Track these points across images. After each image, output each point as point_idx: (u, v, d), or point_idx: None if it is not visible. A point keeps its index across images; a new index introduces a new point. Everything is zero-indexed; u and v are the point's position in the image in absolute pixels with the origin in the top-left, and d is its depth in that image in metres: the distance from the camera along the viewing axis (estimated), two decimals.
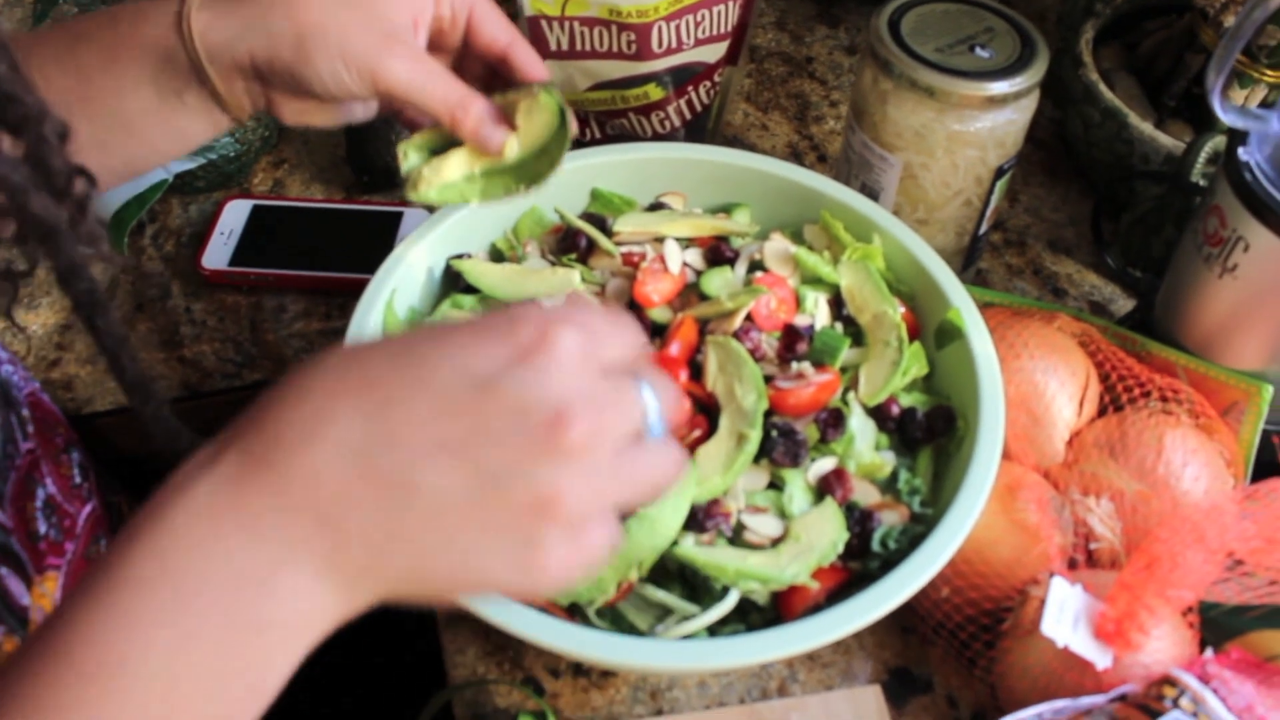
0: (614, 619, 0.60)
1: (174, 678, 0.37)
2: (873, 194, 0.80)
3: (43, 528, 0.59)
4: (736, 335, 0.65)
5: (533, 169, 0.64)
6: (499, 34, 0.63)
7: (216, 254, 0.89)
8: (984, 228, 0.83)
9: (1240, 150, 0.67)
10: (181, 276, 0.90)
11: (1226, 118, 0.65)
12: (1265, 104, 0.88)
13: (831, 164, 1.00)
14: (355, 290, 0.87)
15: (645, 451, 0.41)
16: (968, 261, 0.85)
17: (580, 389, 0.39)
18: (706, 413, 0.64)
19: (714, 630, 0.59)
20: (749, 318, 0.67)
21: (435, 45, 0.63)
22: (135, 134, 0.61)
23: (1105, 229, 0.94)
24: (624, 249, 0.71)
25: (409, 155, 0.64)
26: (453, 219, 0.72)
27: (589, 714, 0.68)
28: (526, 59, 0.64)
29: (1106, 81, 0.94)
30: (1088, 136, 0.93)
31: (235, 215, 0.92)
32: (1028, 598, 0.65)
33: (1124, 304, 0.91)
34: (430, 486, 0.38)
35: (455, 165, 0.64)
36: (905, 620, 0.70)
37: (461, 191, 0.65)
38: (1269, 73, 0.86)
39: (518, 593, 0.45)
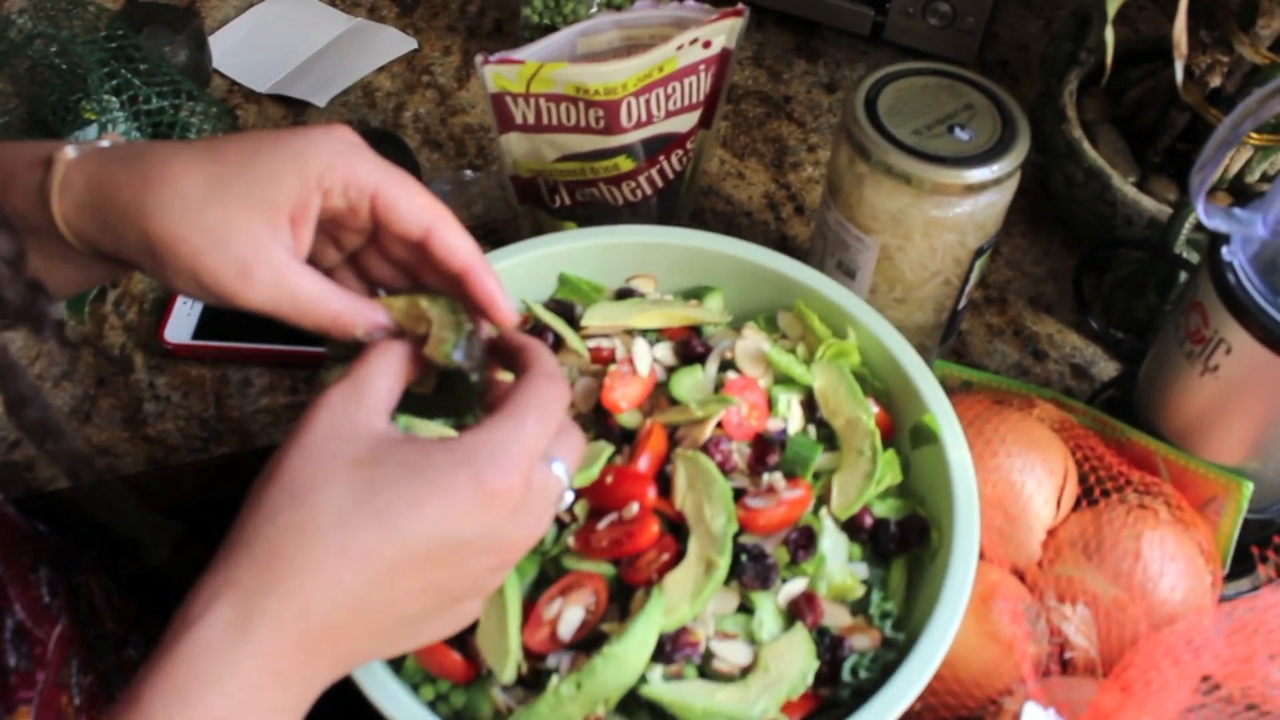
0: None
1: None
2: (849, 272, 0.79)
3: (12, 659, 0.58)
4: (706, 448, 0.64)
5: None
6: (412, 220, 0.53)
7: (179, 326, 0.87)
8: (963, 303, 0.81)
9: (1224, 250, 0.65)
10: (144, 347, 0.88)
11: (1211, 223, 0.64)
12: (1246, 186, 0.87)
13: (809, 217, 0.98)
14: (319, 363, 0.86)
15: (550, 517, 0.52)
16: (946, 335, 0.84)
17: (522, 523, 0.49)
18: (675, 532, 0.62)
19: None
20: (719, 426, 0.65)
21: (333, 229, 0.55)
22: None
23: (1087, 286, 0.92)
24: (592, 343, 0.69)
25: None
26: None
27: None
28: (447, 244, 0.54)
29: (1090, 133, 0.92)
30: (1070, 194, 0.91)
31: None
32: (1002, 710, 0.64)
33: (1106, 366, 0.90)
34: (412, 613, 0.48)
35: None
36: None
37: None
38: (1255, 136, 0.84)
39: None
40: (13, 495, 0.80)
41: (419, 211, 0.53)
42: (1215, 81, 0.84)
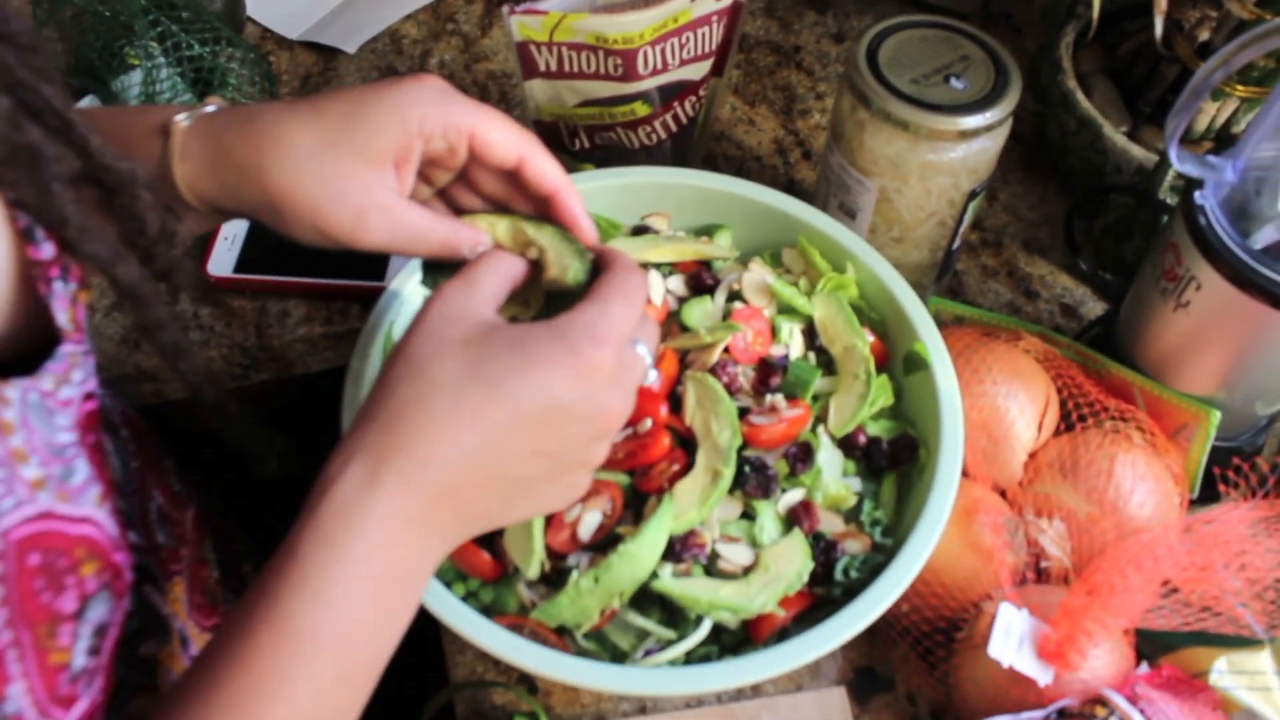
0: (599, 641, 0.66)
1: (346, 636, 0.49)
2: (850, 213, 0.84)
3: (160, 538, 0.64)
4: (714, 370, 0.69)
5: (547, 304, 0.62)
6: (505, 153, 0.59)
7: (221, 260, 0.93)
8: (957, 243, 0.86)
9: (1196, 194, 0.71)
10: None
11: (1182, 167, 0.69)
12: (1234, 136, 0.91)
13: (815, 161, 1.03)
14: (354, 295, 0.92)
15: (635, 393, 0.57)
16: (941, 274, 0.89)
17: (618, 393, 0.54)
18: (685, 446, 0.68)
19: (689, 652, 0.64)
20: (726, 350, 0.71)
21: (429, 169, 0.62)
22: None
23: (1079, 231, 0.97)
24: None
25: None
26: None
27: (578, 711, 0.74)
28: (539, 171, 0.60)
29: (1085, 85, 0.97)
30: (1064, 142, 0.96)
31: (237, 221, 0.95)
32: (981, 612, 0.70)
33: (1094, 306, 0.95)
34: (523, 475, 0.53)
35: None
36: (871, 625, 0.75)
37: None
38: (1240, 88, 0.89)
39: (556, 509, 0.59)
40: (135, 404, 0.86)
41: (512, 144, 0.59)
42: (1204, 35, 0.89)
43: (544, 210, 0.62)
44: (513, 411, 0.51)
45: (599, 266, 0.59)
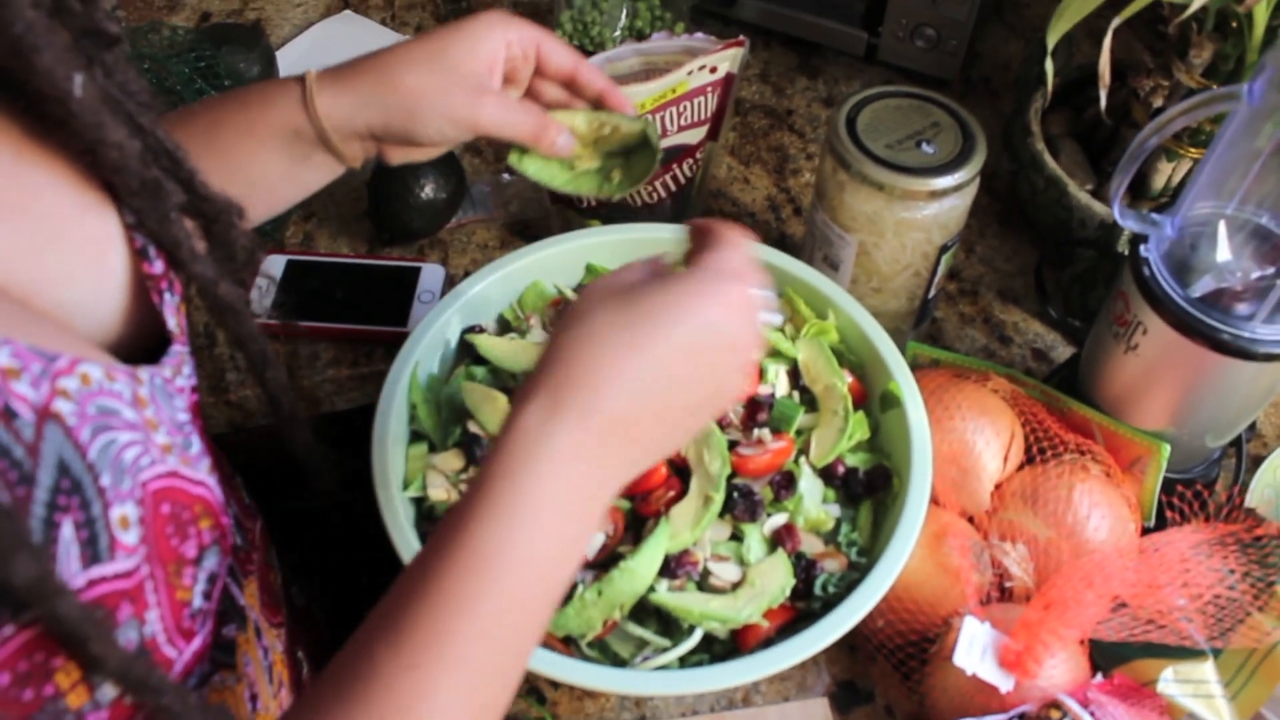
0: (602, 649, 0.73)
1: (529, 559, 0.54)
2: (834, 264, 0.92)
3: (238, 540, 0.72)
4: None
5: (623, 177, 0.81)
6: (564, 62, 0.78)
7: (256, 305, 1.01)
8: (933, 292, 0.94)
9: (1141, 247, 0.78)
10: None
11: (1125, 223, 0.77)
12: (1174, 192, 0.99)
13: (806, 218, 1.11)
14: (380, 341, 1.00)
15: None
16: (919, 320, 0.97)
17: (752, 323, 0.60)
18: (680, 474, 0.76)
19: (683, 659, 0.71)
20: None
21: (509, 79, 0.78)
22: (268, 193, 0.77)
23: (1048, 281, 1.05)
24: None
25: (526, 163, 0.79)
26: (464, 298, 0.84)
27: (583, 719, 0.81)
28: (590, 77, 0.79)
29: (1053, 146, 1.05)
30: (1034, 199, 1.04)
31: (272, 268, 1.04)
32: (950, 628, 0.77)
33: (1064, 350, 1.03)
34: (685, 403, 0.58)
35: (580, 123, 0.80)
36: (851, 641, 0.82)
37: (553, 174, 0.80)
38: (1192, 150, 0.97)
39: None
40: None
41: (566, 55, 0.78)
42: (1158, 102, 0.97)
43: (595, 103, 0.81)
44: (673, 340, 0.57)
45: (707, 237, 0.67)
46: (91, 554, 0.48)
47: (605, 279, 0.61)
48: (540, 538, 0.54)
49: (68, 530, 0.46)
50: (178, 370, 0.60)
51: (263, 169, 0.74)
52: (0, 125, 0.55)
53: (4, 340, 0.45)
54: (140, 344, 0.61)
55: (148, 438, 0.53)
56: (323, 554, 0.58)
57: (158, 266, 0.61)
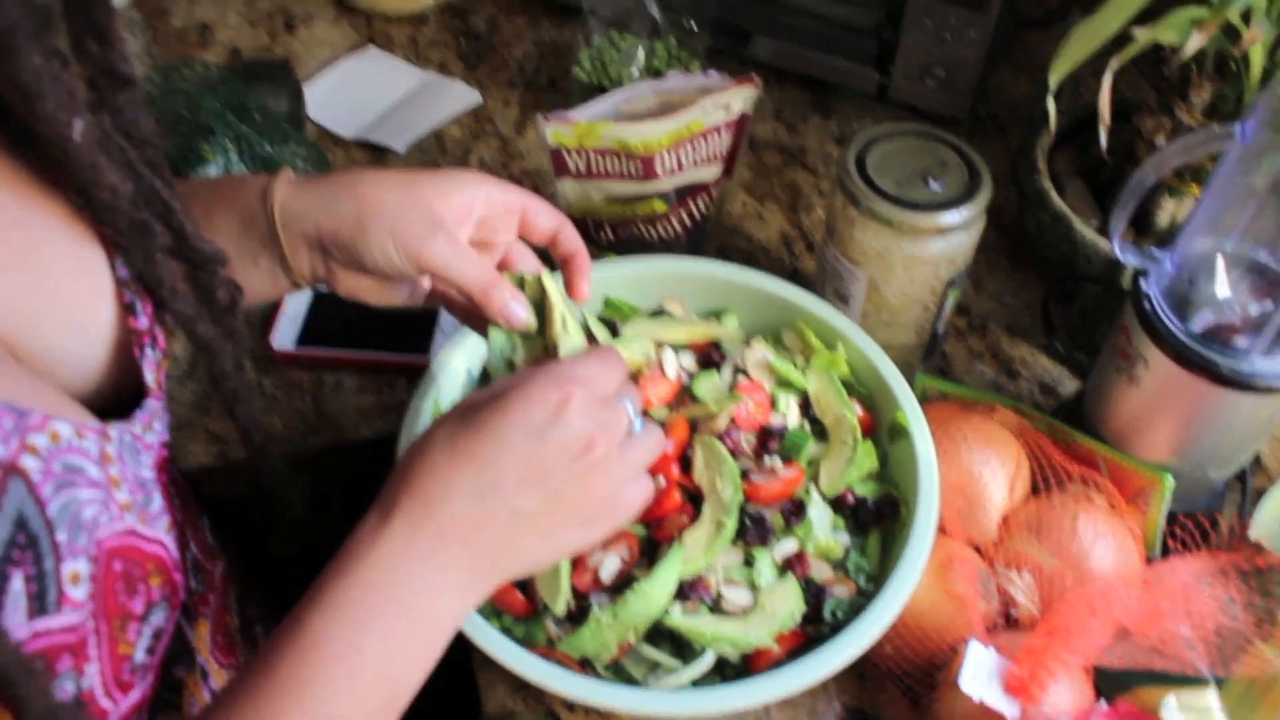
0: (617, 670, 0.75)
1: (379, 662, 0.57)
2: (844, 298, 0.94)
3: (192, 583, 0.74)
4: (720, 435, 0.79)
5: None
6: (549, 224, 0.76)
7: (284, 335, 1.04)
8: (941, 326, 0.96)
9: (1142, 282, 0.81)
10: (253, 353, 1.05)
11: (1125, 258, 0.79)
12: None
13: (817, 254, 1.14)
14: (402, 370, 1.02)
15: (636, 439, 0.66)
16: (928, 354, 0.99)
17: (593, 423, 0.62)
18: (693, 501, 0.78)
19: (696, 682, 0.73)
20: (731, 419, 0.81)
21: (483, 243, 0.76)
22: None
23: (1055, 316, 1.07)
24: (630, 352, 0.85)
25: (495, 335, 0.75)
26: None
27: None
28: (568, 237, 0.77)
29: (1058, 184, 1.07)
30: (1041, 235, 1.07)
31: (299, 299, 1.07)
32: (957, 654, 0.79)
33: (1070, 384, 1.05)
34: (523, 509, 0.61)
35: (522, 357, 0.76)
36: (860, 669, 0.83)
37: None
38: (1195, 187, 0.99)
39: (588, 548, 0.70)
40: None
41: (551, 217, 0.76)
42: (1161, 141, 0.99)
43: (564, 267, 0.77)
44: (499, 447, 0.60)
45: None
46: (39, 606, 0.50)
47: (465, 400, 0.65)
48: (372, 635, 0.58)
49: (17, 582, 0.49)
50: (148, 426, 0.63)
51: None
52: (9, 171, 0.58)
53: None
54: (117, 395, 0.64)
55: (109, 495, 0.56)
56: (297, 592, 0.60)
57: (143, 322, 0.64)
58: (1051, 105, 0.86)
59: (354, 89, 1.31)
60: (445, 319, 1.05)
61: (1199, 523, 0.84)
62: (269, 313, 1.07)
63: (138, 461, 0.61)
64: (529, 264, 0.78)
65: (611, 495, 0.64)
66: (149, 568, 0.60)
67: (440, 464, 0.61)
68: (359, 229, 0.69)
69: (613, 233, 1.01)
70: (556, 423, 0.61)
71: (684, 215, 0.99)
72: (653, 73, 1.13)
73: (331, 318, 1.06)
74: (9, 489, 0.48)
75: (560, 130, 0.92)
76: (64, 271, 0.60)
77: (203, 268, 0.66)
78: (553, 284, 0.74)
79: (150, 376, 0.64)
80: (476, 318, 0.78)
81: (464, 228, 0.72)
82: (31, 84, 0.50)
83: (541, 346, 0.74)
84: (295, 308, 1.06)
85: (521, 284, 0.74)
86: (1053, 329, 1.06)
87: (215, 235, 0.72)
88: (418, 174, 0.72)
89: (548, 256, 0.79)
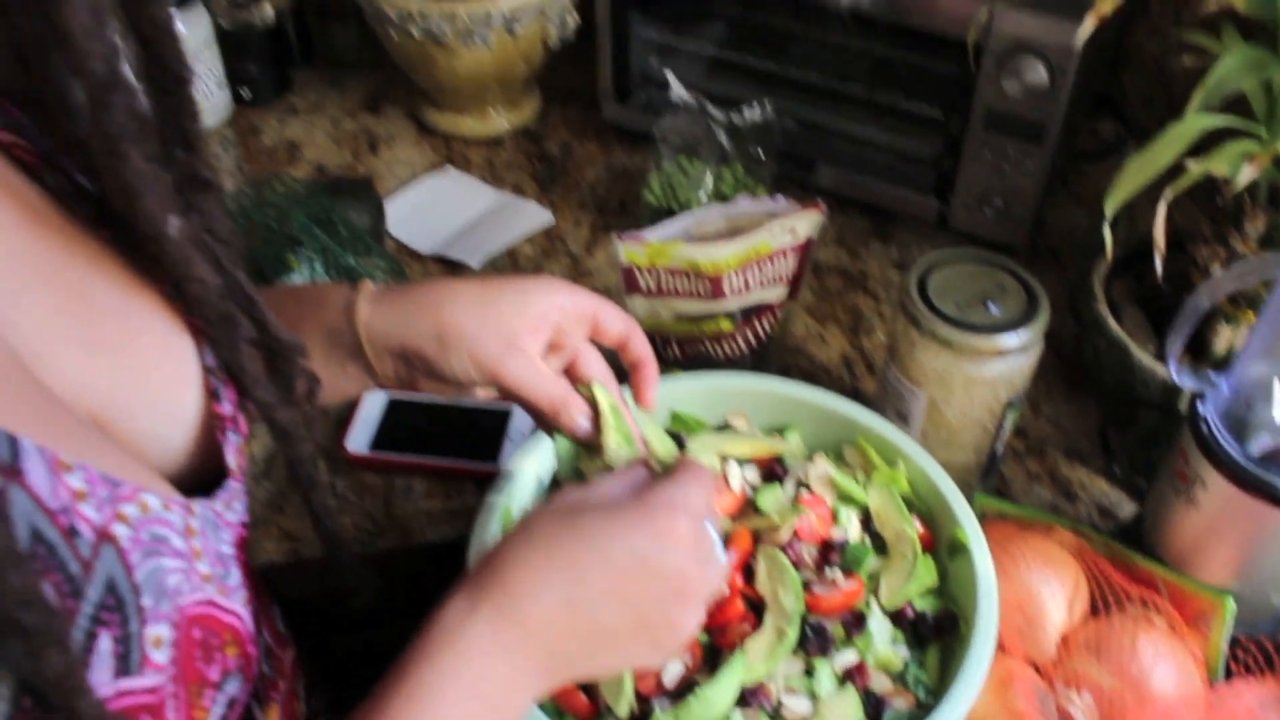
0: None
1: None
2: (904, 417, 0.97)
3: (265, 669, 0.77)
4: (783, 547, 0.81)
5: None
6: (619, 329, 0.80)
7: (358, 439, 1.08)
8: (999, 447, 0.98)
9: (1199, 405, 0.82)
10: (328, 455, 1.09)
11: (1182, 382, 0.81)
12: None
13: (878, 376, 1.17)
14: (472, 477, 1.06)
15: (716, 568, 0.68)
16: (986, 474, 1.01)
17: (690, 558, 0.65)
18: (756, 610, 0.80)
19: None
20: (794, 532, 0.83)
21: (555, 345, 0.79)
22: None
23: (1113, 440, 1.09)
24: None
25: (561, 442, 0.80)
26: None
27: None
28: (637, 345, 0.81)
29: (1115, 311, 1.10)
30: (1098, 361, 1.09)
31: (373, 405, 1.11)
32: None
33: (1129, 508, 1.05)
34: (609, 624, 0.63)
35: (589, 468, 0.80)
36: None
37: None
38: (1251, 314, 1.01)
39: (648, 667, 0.73)
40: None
41: (621, 322, 0.80)
42: (1216, 268, 1.02)
43: (631, 375, 0.82)
44: (599, 560, 0.63)
45: (675, 464, 0.72)
46: (123, 667, 0.52)
47: (568, 493, 0.68)
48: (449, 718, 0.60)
49: (105, 643, 0.51)
50: (229, 505, 0.66)
51: None
52: (110, 264, 0.63)
53: (80, 465, 0.50)
54: (199, 476, 0.67)
55: (191, 566, 0.59)
56: (362, 688, 0.63)
57: (226, 408, 0.68)
58: (1108, 234, 0.89)
59: (432, 206, 1.38)
60: (513, 428, 1.08)
61: (1262, 646, 0.84)
62: (344, 417, 1.11)
63: (218, 537, 0.64)
64: (597, 368, 0.82)
65: (689, 624, 0.67)
66: (226, 637, 0.62)
67: (537, 562, 0.63)
68: (439, 348, 0.75)
69: (680, 350, 1.04)
70: (660, 551, 0.64)
71: (749, 334, 1.03)
72: (720, 197, 1.18)
73: (404, 424, 1.10)
74: (102, 554, 0.51)
75: (633, 249, 0.97)
76: (156, 358, 0.64)
77: (283, 357, 0.70)
78: (606, 396, 0.78)
79: (232, 460, 0.68)
80: (544, 420, 0.81)
81: (539, 335, 0.76)
82: (135, 184, 0.54)
83: (600, 459, 0.77)
84: (369, 413, 1.10)
85: (592, 400, 0.78)
86: (1111, 453, 1.07)
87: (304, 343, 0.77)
88: (495, 287, 0.77)
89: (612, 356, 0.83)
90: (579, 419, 0.76)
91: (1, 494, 0.45)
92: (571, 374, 0.81)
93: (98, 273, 0.60)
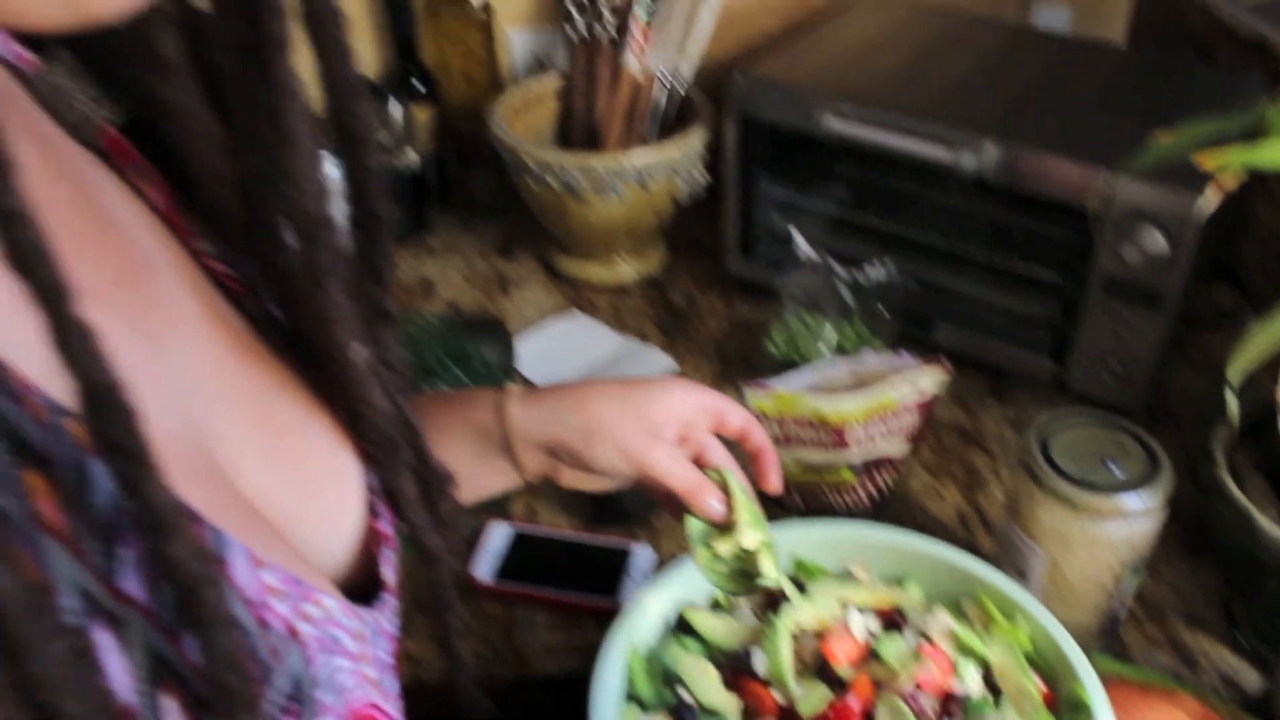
0: None
1: None
2: (1023, 574, 0.98)
3: None
4: (905, 697, 0.82)
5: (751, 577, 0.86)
6: (740, 422, 0.87)
7: (483, 568, 1.12)
8: (1119, 610, 0.98)
9: None
10: (454, 582, 1.13)
11: None
12: None
13: (992, 531, 1.18)
14: (591, 611, 1.08)
15: None
16: (1104, 636, 1.00)
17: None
18: None
19: None
20: (915, 682, 0.84)
21: (683, 438, 0.86)
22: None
23: (1237, 608, 1.08)
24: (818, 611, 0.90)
25: (693, 523, 0.85)
26: (677, 578, 0.92)
27: None
28: (758, 438, 0.88)
29: (1238, 478, 1.10)
30: (1220, 527, 1.08)
31: (498, 536, 1.15)
32: None
33: (1254, 678, 1.04)
34: None
35: (722, 547, 0.85)
36: None
37: (716, 575, 0.86)
38: None
39: None
40: None
41: (741, 417, 0.87)
42: None
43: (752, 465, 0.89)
44: None
45: None
46: None
47: None
48: None
49: None
50: (387, 617, 0.70)
51: (451, 462, 0.83)
52: (295, 385, 0.68)
53: (273, 565, 0.54)
54: (354, 589, 0.72)
55: (359, 668, 0.62)
56: None
57: (385, 527, 0.72)
58: (1232, 401, 0.91)
59: (559, 348, 1.44)
60: (634, 565, 1.11)
61: None
62: (469, 546, 1.15)
63: (378, 645, 0.67)
64: (721, 457, 0.88)
65: None
66: None
67: None
68: (586, 440, 0.81)
69: (802, 498, 1.07)
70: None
71: (870, 486, 1.05)
72: (840, 352, 1.22)
73: (528, 556, 1.14)
74: (290, 649, 0.55)
75: (761, 398, 1.01)
76: (328, 475, 0.69)
77: (436, 485, 0.75)
78: (735, 482, 0.85)
79: (389, 575, 0.72)
80: (675, 504, 0.87)
81: (670, 428, 0.83)
82: (329, 313, 0.60)
83: (733, 536, 0.84)
84: (495, 544, 1.14)
85: (724, 485, 0.84)
86: (1235, 621, 1.06)
87: (451, 444, 0.84)
88: (633, 386, 0.84)
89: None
90: (714, 502, 0.82)
91: (218, 565, 0.49)
92: (699, 464, 0.87)
93: (282, 393, 0.66)
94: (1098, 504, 0.90)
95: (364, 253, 0.63)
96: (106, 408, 0.39)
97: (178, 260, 0.60)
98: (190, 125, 0.58)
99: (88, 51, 0.56)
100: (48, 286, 0.36)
